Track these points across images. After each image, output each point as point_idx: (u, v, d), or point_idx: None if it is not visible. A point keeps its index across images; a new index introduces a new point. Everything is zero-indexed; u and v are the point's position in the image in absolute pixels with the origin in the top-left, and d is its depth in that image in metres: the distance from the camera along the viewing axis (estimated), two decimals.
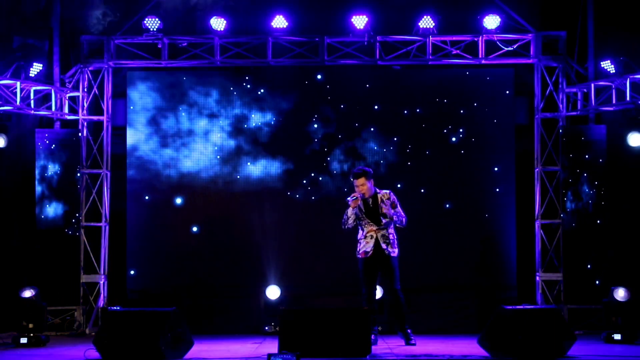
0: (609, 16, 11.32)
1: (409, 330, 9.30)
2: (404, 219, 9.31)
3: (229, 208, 11.77)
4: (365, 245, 9.27)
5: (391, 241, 9.26)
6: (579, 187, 11.23)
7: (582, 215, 11.21)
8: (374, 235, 9.24)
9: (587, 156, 11.23)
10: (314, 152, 11.75)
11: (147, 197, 11.76)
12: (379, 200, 9.28)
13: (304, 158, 11.74)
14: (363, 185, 9.22)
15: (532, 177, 11.65)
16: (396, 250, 9.29)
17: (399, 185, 11.46)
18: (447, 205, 11.66)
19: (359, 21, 11.26)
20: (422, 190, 11.66)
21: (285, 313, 8.13)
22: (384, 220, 9.22)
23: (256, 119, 11.78)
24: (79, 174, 11.48)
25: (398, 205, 9.33)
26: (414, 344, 9.19)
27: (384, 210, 9.20)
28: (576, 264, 11.19)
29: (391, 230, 9.31)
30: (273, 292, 11.46)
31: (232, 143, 11.80)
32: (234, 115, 11.81)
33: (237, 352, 8.90)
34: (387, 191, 9.39)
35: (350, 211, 9.23)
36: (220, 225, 11.76)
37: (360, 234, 9.35)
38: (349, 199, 9.24)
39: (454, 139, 11.70)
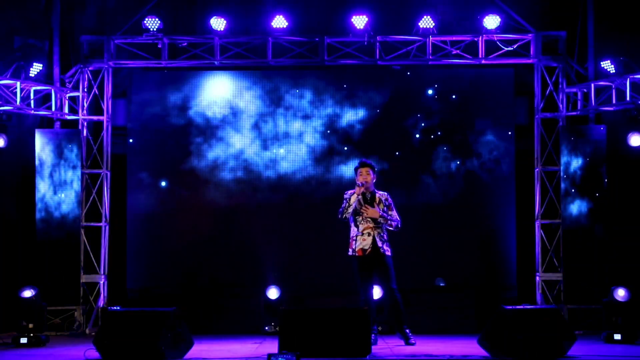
0: (609, 16, 11.32)
1: (407, 330, 9.28)
2: (398, 223, 9.30)
3: (229, 207, 11.80)
4: (362, 243, 9.21)
5: (386, 240, 9.26)
6: (579, 187, 11.23)
7: (582, 215, 11.21)
8: (371, 233, 9.21)
9: (587, 156, 11.23)
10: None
11: (147, 197, 11.77)
12: (377, 198, 9.28)
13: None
14: (368, 175, 9.22)
15: (532, 177, 11.66)
16: (390, 250, 9.29)
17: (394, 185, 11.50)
18: (447, 205, 11.66)
19: (359, 21, 11.26)
20: (421, 190, 11.66)
21: (285, 313, 8.13)
22: (381, 212, 9.17)
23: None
24: (79, 174, 11.48)
25: (394, 209, 9.34)
26: (414, 344, 9.19)
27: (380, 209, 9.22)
28: (576, 264, 11.19)
29: (385, 229, 9.29)
30: (273, 292, 11.46)
31: (236, 143, 11.85)
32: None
33: (237, 352, 8.90)
34: (385, 193, 9.40)
35: (354, 198, 9.17)
36: (221, 225, 11.78)
37: (354, 232, 9.28)
38: (347, 192, 9.25)
39: (453, 140, 11.71)
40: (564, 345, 8.04)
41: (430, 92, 11.75)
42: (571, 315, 11.07)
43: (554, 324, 8.03)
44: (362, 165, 9.31)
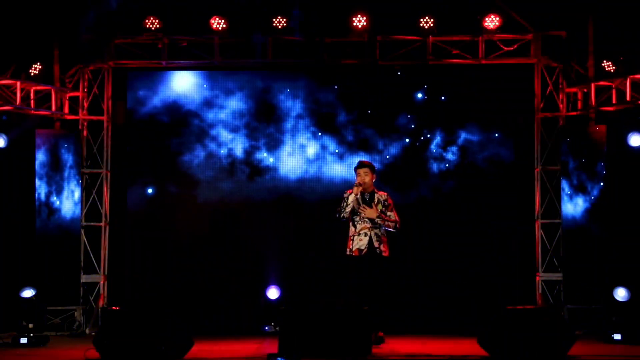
0: (609, 16, 11.31)
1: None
2: (397, 224, 9.26)
3: (229, 207, 11.81)
4: (359, 243, 9.18)
5: (384, 241, 9.22)
6: (579, 187, 11.23)
7: (582, 215, 11.21)
8: (368, 233, 9.18)
9: (587, 156, 11.23)
10: None
11: (147, 197, 11.78)
12: (376, 199, 9.26)
13: None
14: (366, 175, 9.21)
15: (532, 177, 11.65)
16: (388, 250, 9.25)
17: (396, 184, 11.50)
18: (447, 206, 11.66)
19: (359, 21, 11.26)
20: (419, 190, 11.66)
21: (285, 313, 8.13)
22: (378, 213, 9.13)
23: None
24: (79, 174, 11.48)
25: (393, 209, 9.30)
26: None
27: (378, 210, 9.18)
28: (576, 264, 11.20)
29: (383, 230, 9.25)
30: (273, 292, 11.47)
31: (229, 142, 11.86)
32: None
33: (237, 352, 8.91)
34: (385, 193, 9.37)
35: (351, 198, 9.15)
36: (220, 225, 11.79)
37: (352, 231, 9.26)
38: (347, 191, 9.24)
39: (453, 139, 11.71)
40: (564, 345, 8.03)
41: (427, 91, 11.76)
42: (571, 315, 11.06)
43: (554, 324, 8.02)
44: (360, 165, 9.31)
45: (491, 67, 11.69)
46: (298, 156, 11.79)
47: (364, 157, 11.51)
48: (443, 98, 11.74)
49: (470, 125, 11.72)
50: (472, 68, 11.69)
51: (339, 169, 11.71)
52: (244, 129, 11.83)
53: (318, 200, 11.66)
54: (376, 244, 9.16)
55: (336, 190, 11.38)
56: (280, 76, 11.87)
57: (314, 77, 11.81)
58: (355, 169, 9.34)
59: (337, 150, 11.75)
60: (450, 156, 11.71)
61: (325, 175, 11.75)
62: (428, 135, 11.72)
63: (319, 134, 11.77)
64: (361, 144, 11.74)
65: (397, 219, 9.27)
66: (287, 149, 11.80)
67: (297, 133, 11.80)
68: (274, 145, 11.81)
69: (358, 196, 9.18)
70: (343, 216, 9.22)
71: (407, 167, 11.70)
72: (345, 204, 9.17)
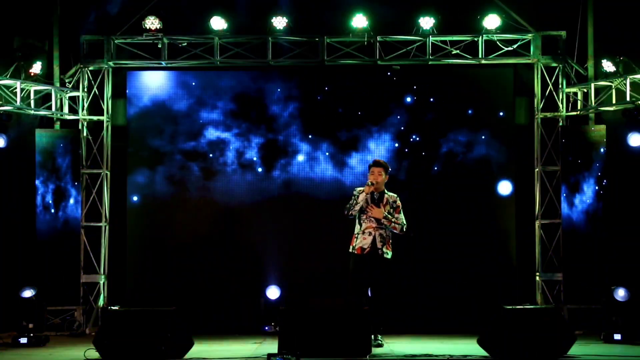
0: (609, 16, 11.32)
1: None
2: (403, 226, 9.23)
3: (229, 207, 11.81)
4: (362, 242, 9.16)
5: (387, 242, 9.20)
6: (579, 187, 11.24)
7: (582, 215, 11.22)
8: (372, 233, 9.16)
9: (586, 156, 11.24)
10: None
11: (146, 197, 11.78)
12: (385, 200, 9.23)
13: None
14: (380, 175, 9.18)
15: (532, 177, 11.66)
16: (390, 253, 9.24)
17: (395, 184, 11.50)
18: (447, 206, 11.66)
19: (359, 21, 11.27)
20: (421, 191, 11.66)
21: (285, 313, 8.13)
22: (385, 214, 9.11)
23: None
24: (79, 174, 11.49)
25: (401, 212, 9.27)
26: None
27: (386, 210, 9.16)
28: (576, 264, 11.20)
29: (389, 232, 9.22)
30: (273, 292, 11.47)
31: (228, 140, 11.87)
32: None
33: (237, 352, 8.90)
34: (395, 195, 9.33)
35: (362, 197, 9.11)
36: (221, 225, 11.79)
37: (357, 229, 9.26)
38: (357, 189, 9.22)
39: (450, 139, 11.71)
40: (564, 345, 8.04)
41: (426, 91, 11.76)
42: (571, 315, 11.07)
43: (554, 324, 8.03)
44: (375, 164, 9.25)
45: (490, 67, 11.69)
46: (291, 156, 11.78)
47: (356, 158, 11.54)
48: (441, 98, 11.73)
49: (468, 125, 11.71)
50: (471, 68, 11.70)
51: (331, 169, 11.71)
52: (236, 128, 11.83)
53: (311, 200, 11.65)
54: (379, 245, 9.13)
55: (329, 190, 11.48)
56: (274, 76, 11.87)
57: (308, 77, 11.81)
58: (370, 166, 9.29)
59: (327, 153, 11.73)
60: (447, 156, 11.70)
61: (317, 175, 11.75)
62: (424, 136, 11.70)
63: (310, 135, 11.76)
64: (353, 144, 11.73)
65: (404, 222, 9.23)
66: (280, 149, 11.79)
67: (290, 133, 11.79)
68: (268, 145, 11.80)
69: (368, 195, 9.15)
70: (351, 214, 9.19)
71: (402, 167, 11.69)
72: (355, 202, 9.13)
